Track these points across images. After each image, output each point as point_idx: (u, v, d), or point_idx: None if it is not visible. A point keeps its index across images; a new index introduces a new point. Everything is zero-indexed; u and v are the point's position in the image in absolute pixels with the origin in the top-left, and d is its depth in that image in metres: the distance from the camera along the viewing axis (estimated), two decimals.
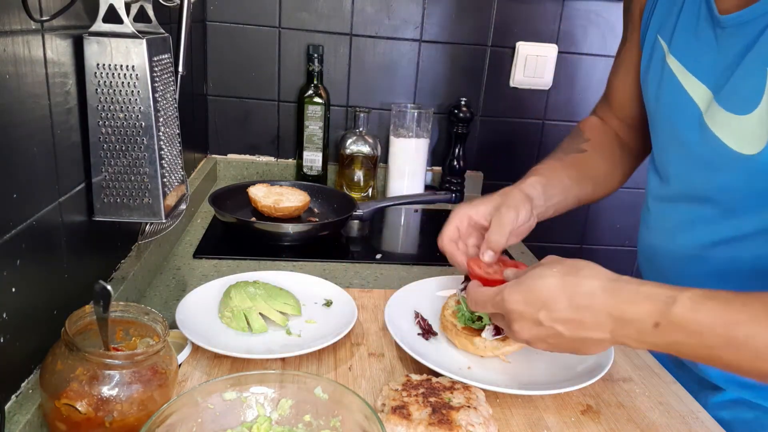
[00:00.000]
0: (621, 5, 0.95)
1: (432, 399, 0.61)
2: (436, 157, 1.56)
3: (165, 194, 0.73)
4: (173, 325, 0.73)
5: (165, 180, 0.73)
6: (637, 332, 0.57)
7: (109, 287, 0.54)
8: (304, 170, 1.46)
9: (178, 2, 0.77)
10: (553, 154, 0.92)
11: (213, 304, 0.81)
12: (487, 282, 0.71)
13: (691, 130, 0.74)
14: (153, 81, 0.69)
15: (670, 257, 0.80)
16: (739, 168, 0.67)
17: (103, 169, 0.69)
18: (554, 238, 1.64)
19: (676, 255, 0.79)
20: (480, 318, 0.75)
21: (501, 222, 0.76)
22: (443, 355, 0.75)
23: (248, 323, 0.77)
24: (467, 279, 0.78)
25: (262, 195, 1.21)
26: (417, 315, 0.82)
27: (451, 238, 0.80)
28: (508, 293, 0.62)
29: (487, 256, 0.76)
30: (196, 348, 0.73)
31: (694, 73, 0.74)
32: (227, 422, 0.56)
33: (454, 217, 0.80)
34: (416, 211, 1.41)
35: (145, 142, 0.69)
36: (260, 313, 0.78)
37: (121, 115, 0.68)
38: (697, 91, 0.73)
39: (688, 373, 0.83)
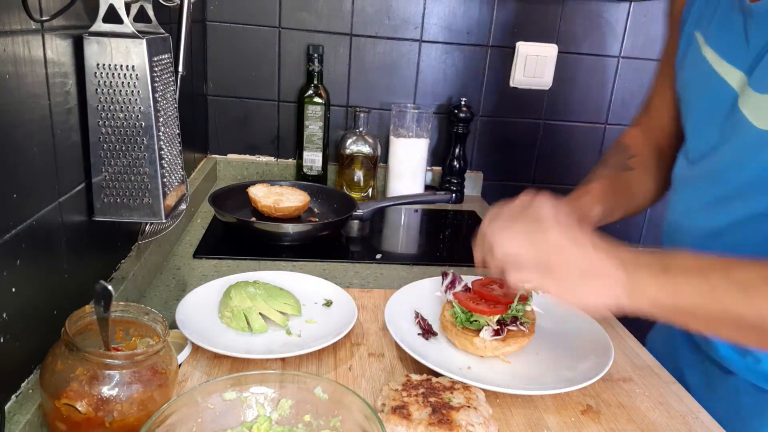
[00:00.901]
0: (621, 5, 0.95)
1: (432, 399, 0.61)
2: (436, 157, 1.56)
3: (165, 194, 0.73)
4: (173, 325, 0.73)
5: (165, 180, 0.73)
6: (648, 273, 0.60)
7: (110, 287, 0.54)
8: (304, 170, 1.46)
9: (178, 2, 0.77)
10: (603, 171, 0.92)
11: (213, 304, 0.81)
12: (486, 297, 0.77)
13: (723, 112, 0.76)
14: (153, 81, 0.69)
15: (691, 234, 0.83)
16: (760, 145, 0.70)
17: (103, 169, 0.69)
18: None
19: (697, 232, 0.82)
20: (477, 320, 0.75)
21: None
22: (443, 355, 0.75)
23: (248, 323, 0.77)
24: (444, 276, 0.82)
25: (262, 195, 1.21)
26: (417, 315, 0.82)
27: None
28: (539, 199, 0.66)
29: None
30: (196, 348, 0.73)
31: (728, 60, 0.76)
32: (227, 422, 0.56)
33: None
34: (416, 211, 1.41)
35: (145, 142, 0.69)
36: (260, 313, 0.78)
37: (121, 115, 0.68)
38: (733, 76, 0.75)
39: (703, 356, 0.85)
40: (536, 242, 0.62)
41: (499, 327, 0.74)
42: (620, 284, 0.60)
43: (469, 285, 0.81)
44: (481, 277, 0.83)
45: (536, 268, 0.62)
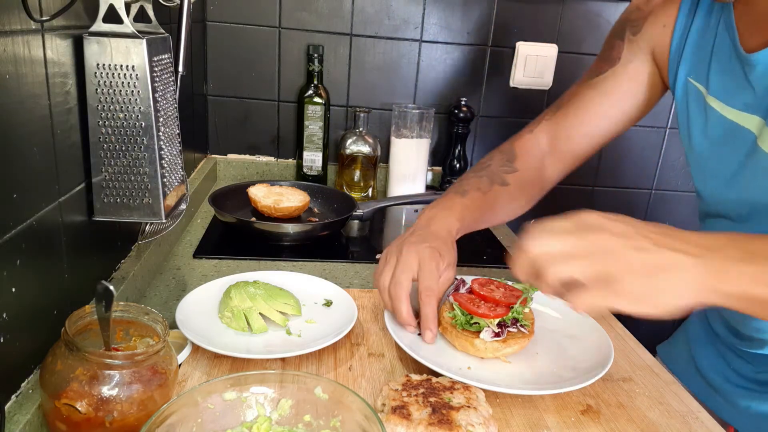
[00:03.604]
0: (621, 5, 0.94)
1: (432, 399, 0.61)
2: (436, 157, 1.56)
3: (165, 194, 0.73)
4: (173, 325, 0.73)
5: (165, 180, 0.73)
6: (732, 262, 0.53)
7: (111, 287, 0.54)
8: (304, 170, 1.46)
9: (178, 2, 0.77)
10: (478, 179, 0.89)
11: (213, 304, 0.81)
12: (486, 299, 0.77)
13: (741, 155, 0.75)
14: (153, 81, 0.69)
15: None
16: None
17: (103, 169, 0.69)
18: None
19: None
20: (477, 321, 0.75)
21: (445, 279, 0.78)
22: (443, 355, 0.75)
23: (248, 323, 0.77)
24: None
25: (262, 195, 1.21)
26: (417, 315, 0.82)
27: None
28: (585, 213, 0.59)
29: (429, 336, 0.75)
30: (196, 348, 0.73)
31: (738, 107, 0.75)
32: (227, 422, 0.56)
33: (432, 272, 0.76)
34: (416, 211, 1.41)
35: (145, 142, 0.69)
36: (260, 313, 0.78)
37: (121, 115, 0.68)
38: (748, 120, 0.74)
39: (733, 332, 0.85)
40: (588, 257, 0.55)
41: (499, 329, 0.74)
42: (699, 277, 0.53)
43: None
44: (479, 277, 0.83)
45: (597, 285, 0.55)
